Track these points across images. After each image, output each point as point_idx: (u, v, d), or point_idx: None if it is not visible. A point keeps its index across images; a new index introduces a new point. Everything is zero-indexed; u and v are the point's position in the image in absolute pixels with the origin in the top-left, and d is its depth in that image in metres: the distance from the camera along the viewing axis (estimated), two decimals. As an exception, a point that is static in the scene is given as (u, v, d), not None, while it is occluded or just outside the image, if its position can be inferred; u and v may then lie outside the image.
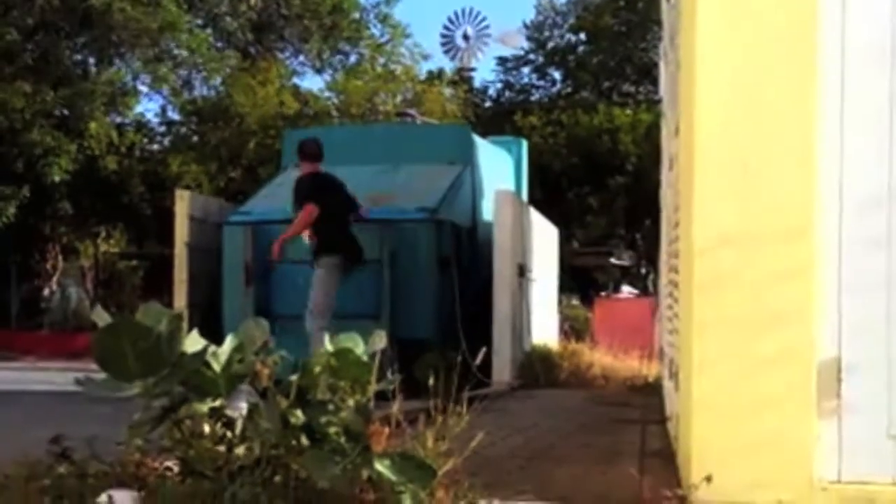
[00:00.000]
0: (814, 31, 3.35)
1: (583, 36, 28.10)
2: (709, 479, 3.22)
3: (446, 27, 27.67)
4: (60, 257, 24.43)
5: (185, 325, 3.03)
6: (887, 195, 3.37)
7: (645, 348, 11.84)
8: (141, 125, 24.13)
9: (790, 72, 3.36)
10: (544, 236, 12.96)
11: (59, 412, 6.16)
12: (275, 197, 10.49)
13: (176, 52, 22.14)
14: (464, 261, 10.14)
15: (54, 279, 24.10)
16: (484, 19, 27.24)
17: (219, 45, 24.19)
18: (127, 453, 3.03)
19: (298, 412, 2.87)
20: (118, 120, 22.87)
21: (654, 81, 17.32)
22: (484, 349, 4.33)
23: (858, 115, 3.39)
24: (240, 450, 2.84)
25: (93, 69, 22.19)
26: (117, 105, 21.94)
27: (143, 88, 23.11)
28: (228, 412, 2.90)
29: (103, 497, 2.88)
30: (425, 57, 26.52)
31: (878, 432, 3.34)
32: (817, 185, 3.35)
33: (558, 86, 28.57)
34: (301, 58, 25.85)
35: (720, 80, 3.42)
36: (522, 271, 10.66)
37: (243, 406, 2.88)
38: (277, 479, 2.80)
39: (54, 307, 22.97)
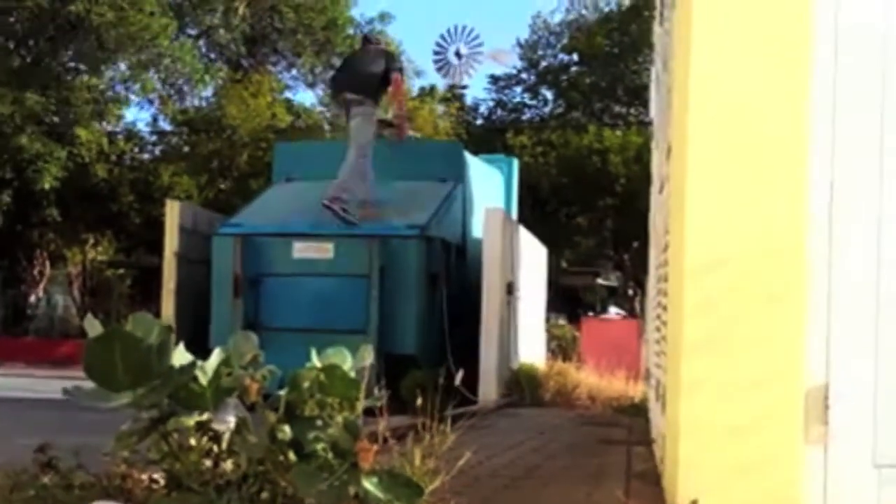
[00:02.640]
0: (807, 58, 3.38)
1: (575, 56, 28.23)
2: (694, 502, 3.22)
3: (439, 44, 27.78)
4: (48, 264, 24.34)
5: (174, 336, 3.02)
6: (877, 221, 3.39)
7: (631, 369, 11.85)
8: (132, 134, 24.11)
9: (782, 97, 3.39)
10: (533, 255, 12.98)
11: (45, 420, 6.12)
12: (265, 209, 10.49)
13: (160, 60, 22.13)
14: (453, 278, 10.15)
15: (41, 286, 24.00)
16: (477, 37, 27.32)
17: (211, 56, 24.21)
18: (113, 464, 3.01)
19: (286, 427, 2.86)
20: (109, 128, 22.85)
21: (645, 103, 17.40)
22: (463, 370, 4.32)
23: (849, 142, 3.42)
24: (227, 464, 2.83)
25: (84, 76, 22.16)
26: (104, 113, 21.90)
27: (134, 97, 23.11)
28: (216, 426, 2.89)
29: (88, 508, 2.86)
30: (418, 73, 26.63)
31: (864, 461, 3.35)
32: (808, 209, 3.38)
33: (550, 105, 28.68)
34: (294, 72, 25.90)
35: (713, 104, 3.44)
36: (511, 289, 10.67)
37: (231, 420, 2.87)
38: (264, 494, 2.79)
39: (40, 314, 22.89)
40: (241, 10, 22.80)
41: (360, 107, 10.36)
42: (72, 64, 22.45)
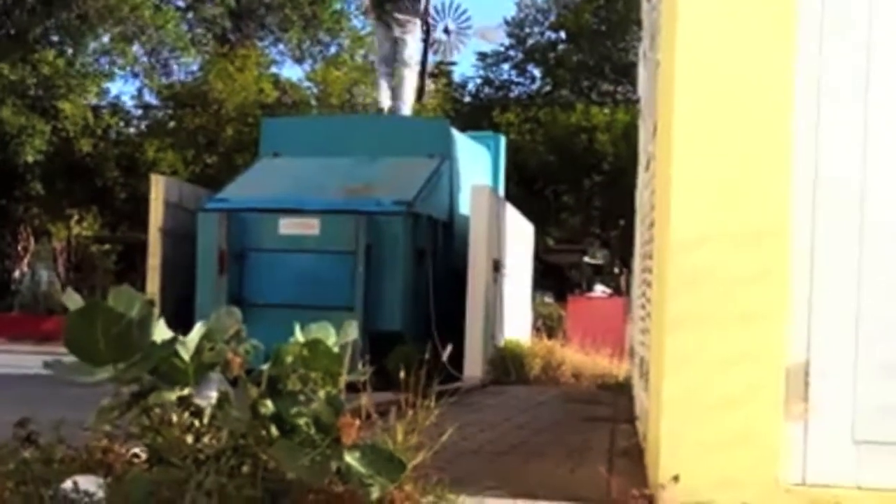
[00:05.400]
0: (793, 37, 3.38)
1: (563, 34, 28.13)
2: (676, 478, 3.24)
3: (427, 21, 27.55)
4: (32, 239, 24.21)
5: (156, 311, 3.01)
6: (860, 200, 3.40)
7: (616, 347, 11.89)
8: (117, 108, 23.94)
9: (768, 74, 3.38)
10: (520, 233, 12.98)
11: (27, 395, 6.10)
12: (251, 185, 10.44)
13: (143, 31, 21.92)
14: (439, 254, 10.14)
15: (25, 261, 23.89)
16: (465, 12, 27.12)
17: (197, 30, 24.03)
18: (94, 439, 3.00)
19: (269, 402, 2.85)
20: (94, 102, 22.67)
21: (633, 81, 17.38)
22: (451, 345, 4.32)
23: (834, 120, 3.42)
24: (207, 439, 2.83)
25: (67, 49, 21.96)
26: (86, 86, 21.69)
27: (118, 71, 22.91)
28: (197, 401, 2.88)
29: (68, 483, 2.85)
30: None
31: (843, 437, 3.38)
32: (792, 187, 3.38)
33: (537, 83, 28.61)
34: (281, 46, 25.74)
35: (699, 79, 3.44)
36: (497, 267, 10.67)
37: (213, 395, 2.87)
38: (245, 468, 2.78)
39: (24, 289, 22.78)
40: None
41: None
42: (55, 38, 22.24)
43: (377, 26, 12.27)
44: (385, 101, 12.03)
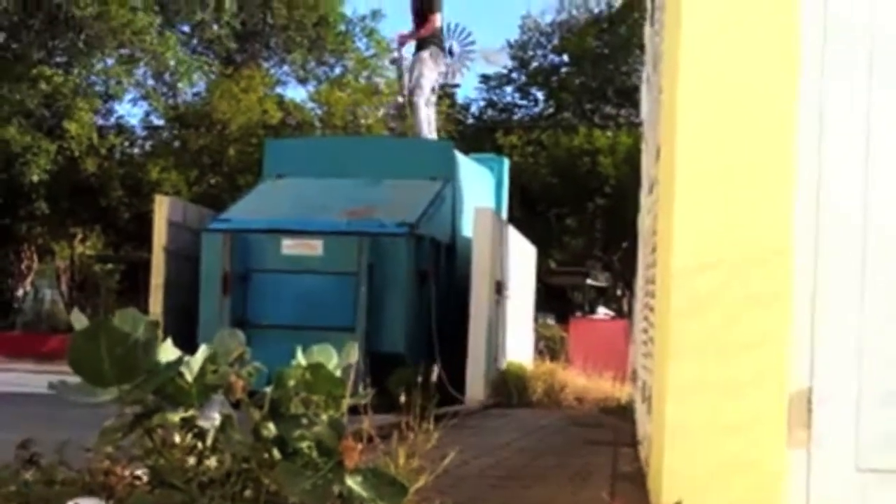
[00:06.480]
0: (796, 64, 3.40)
1: (566, 57, 28.25)
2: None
3: (432, 42, 27.65)
4: (36, 258, 24.25)
5: (160, 332, 3.01)
6: (862, 227, 3.41)
7: (619, 370, 11.87)
8: (122, 128, 24.04)
9: (771, 100, 3.40)
10: (522, 255, 12.99)
11: (28, 414, 6.10)
12: (255, 206, 10.47)
13: (145, 55, 22.07)
14: (442, 276, 10.15)
15: (28, 279, 23.92)
16: (469, 35, 27.26)
17: (201, 51, 24.16)
18: (96, 460, 3.00)
19: (271, 425, 2.85)
20: (99, 122, 22.78)
21: (635, 105, 17.42)
22: (440, 367, 4.32)
23: (836, 148, 3.43)
24: (211, 461, 2.82)
25: (73, 70, 22.08)
26: (92, 104, 21.80)
27: (128, 94, 23.06)
28: (200, 423, 2.88)
29: (70, 504, 2.85)
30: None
31: (847, 465, 3.37)
32: (794, 212, 3.39)
33: (540, 106, 28.71)
34: (285, 67, 25.87)
35: (701, 105, 3.45)
36: (500, 289, 10.68)
37: (216, 417, 2.87)
38: (248, 492, 2.78)
39: (27, 308, 22.81)
40: (227, 4, 22.70)
41: None
42: (60, 59, 22.37)
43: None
44: (425, 131, 11.97)
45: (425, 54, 11.77)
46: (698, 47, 3.45)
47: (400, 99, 12.23)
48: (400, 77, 12.64)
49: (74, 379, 2.91)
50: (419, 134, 11.86)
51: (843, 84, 3.43)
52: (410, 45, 12.26)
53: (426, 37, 11.78)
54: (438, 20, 11.73)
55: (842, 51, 3.43)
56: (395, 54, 12.44)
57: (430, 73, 11.89)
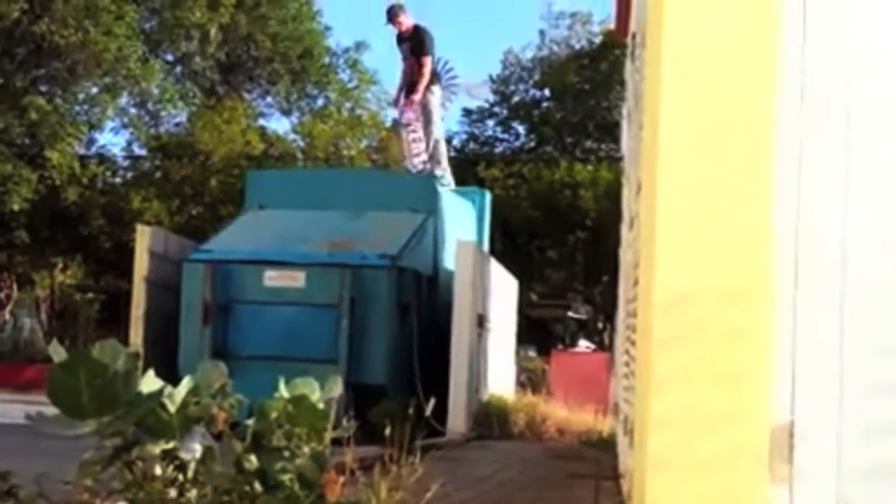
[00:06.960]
0: (773, 105, 3.44)
1: (547, 92, 28.46)
2: (660, 538, 3.23)
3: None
4: (15, 287, 24.07)
5: (141, 363, 3.00)
6: (841, 260, 3.44)
7: (600, 402, 11.86)
8: (104, 157, 23.99)
9: (749, 140, 3.44)
10: (504, 287, 13.01)
11: (6, 445, 6.03)
12: (237, 237, 10.46)
13: (129, 83, 22.07)
14: (423, 309, 10.14)
15: (7, 308, 23.72)
16: (452, 69, 27.43)
17: (186, 84, 24.19)
18: (76, 493, 2.97)
19: (253, 457, 2.84)
20: (81, 151, 22.72)
21: (616, 139, 17.56)
22: (433, 400, 4.31)
23: (815, 181, 3.47)
24: (192, 494, 2.81)
25: (56, 98, 22.06)
26: (75, 132, 21.75)
27: (108, 122, 23.02)
28: (181, 455, 2.87)
29: (49, 537, 2.82)
30: (391, 104, 26.64)
31: (828, 500, 3.37)
32: (775, 247, 3.42)
33: (522, 139, 28.86)
34: (268, 99, 25.92)
35: (682, 142, 3.49)
36: (481, 321, 10.67)
37: (197, 449, 2.85)
38: (229, 524, 2.77)
39: (6, 337, 22.58)
40: (213, 35, 22.76)
41: None
42: (43, 88, 22.34)
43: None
44: (444, 164, 12.34)
45: (433, 96, 12.20)
46: (679, 84, 3.49)
47: (409, 165, 12.34)
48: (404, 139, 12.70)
49: (52, 410, 2.89)
50: (444, 169, 12.28)
51: (822, 121, 3.48)
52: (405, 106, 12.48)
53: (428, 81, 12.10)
54: (429, 63, 12.13)
55: (820, 92, 3.48)
56: (401, 117, 12.66)
57: (439, 110, 12.41)
